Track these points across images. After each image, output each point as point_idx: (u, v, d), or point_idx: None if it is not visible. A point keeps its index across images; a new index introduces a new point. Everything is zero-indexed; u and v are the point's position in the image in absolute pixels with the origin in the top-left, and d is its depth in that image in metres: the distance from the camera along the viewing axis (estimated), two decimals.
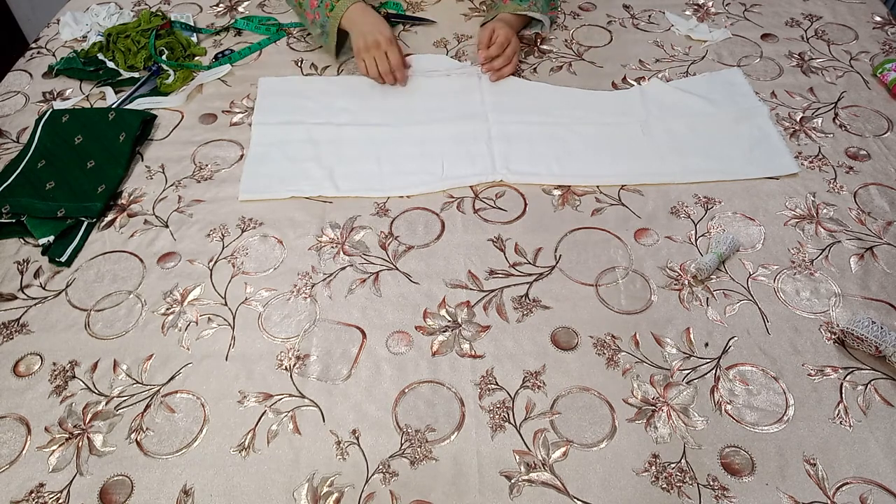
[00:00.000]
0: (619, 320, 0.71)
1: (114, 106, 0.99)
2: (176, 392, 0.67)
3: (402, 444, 0.62)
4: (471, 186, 0.86)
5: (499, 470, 0.60)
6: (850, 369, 0.66)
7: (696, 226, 0.80)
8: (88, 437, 0.63)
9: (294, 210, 0.84)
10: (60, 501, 0.59)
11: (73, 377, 0.68)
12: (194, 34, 1.14)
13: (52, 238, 0.80)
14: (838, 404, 0.64)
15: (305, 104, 0.99)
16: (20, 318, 0.74)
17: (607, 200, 0.84)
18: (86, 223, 0.83)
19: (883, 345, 0.65)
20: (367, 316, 0.73)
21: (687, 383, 0.66)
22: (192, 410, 0.65)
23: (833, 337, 0.69)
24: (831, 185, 0.84)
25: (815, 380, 0.66)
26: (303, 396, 0.66)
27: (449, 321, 0.72)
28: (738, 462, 0.60)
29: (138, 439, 0.63)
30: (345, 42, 1.06)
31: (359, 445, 0.62)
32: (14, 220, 0.82)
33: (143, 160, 0.92)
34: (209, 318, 0.73)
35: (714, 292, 0.73)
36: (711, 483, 0.59)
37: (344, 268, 0.77)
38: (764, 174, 0.86)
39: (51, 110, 0.96)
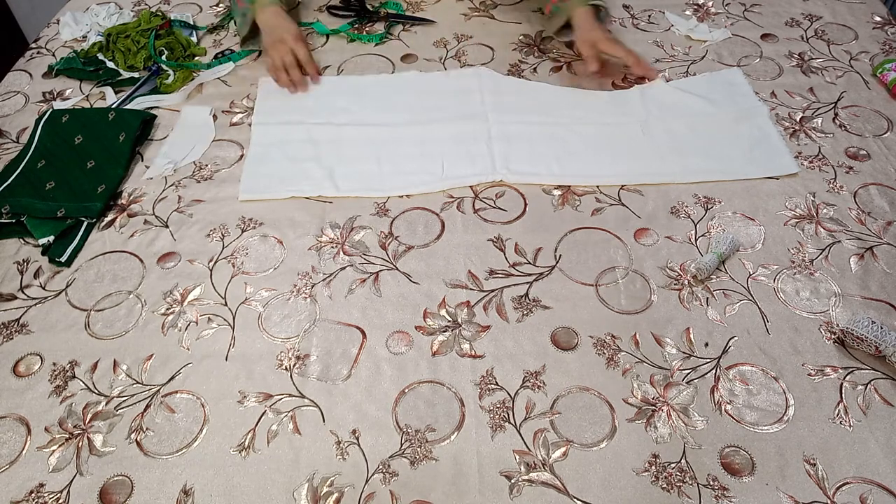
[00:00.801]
0: (619, 320, 0.71)
1: (114, 106, 0.99)
2: (176, 392, 0.67)
3: (402, 444, 0.62)
4: (471, 186, 0.86)
5: (499, 470, 0.60)
6: (850, 369, 0.66)
7: (696, 226, 0.80)
8: (88, 437, 0.63)
9: (294, 210, 0.84)
10: (60, 501, 0.59)
11: (73, 377, 0.68)
12: (194, 34, 1.14)
13: (52, 238, 0.80)
14: (838, 404, 0.64)
15: (305, 104, 0.99)
16: (20, 318, 0.74)
17: (607, 200, 0.84)
18: (86, 223, 0.83)
19: (883, 345, 0.65)
20: (367, 316, 0.73)
21: (687, 383, 0.66)
22: (192, 410, 0.65)
23: (833, 337, 0.69)
24: (831, 185, 0.84)
25: (815, 380, 0.66)
26: (303, 396, 0.66)
27: (449, 321, 0.72)
28: (738, 462, 0.60)
29: (138, 439, 0.63)
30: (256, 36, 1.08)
31: (359, 445, 0.62)
32: (14, 220, 0.82)
33: (143, 160, 0.92)
34: (209, 318, 0.73)
35: (714, 292, 0.73)
36: (711, 483, 0.59)
37: (344, 268, 0.77)
38: (764, 174, 0.86)
39: (51, 110, 0.96)
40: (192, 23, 1.15)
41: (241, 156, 0.92)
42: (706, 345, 0.69)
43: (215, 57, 1.09)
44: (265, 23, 1.03)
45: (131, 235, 0.82)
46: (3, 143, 0.95)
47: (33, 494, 0.60)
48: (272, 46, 1.02)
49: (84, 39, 1.14)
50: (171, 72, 1.05)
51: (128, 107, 0.99)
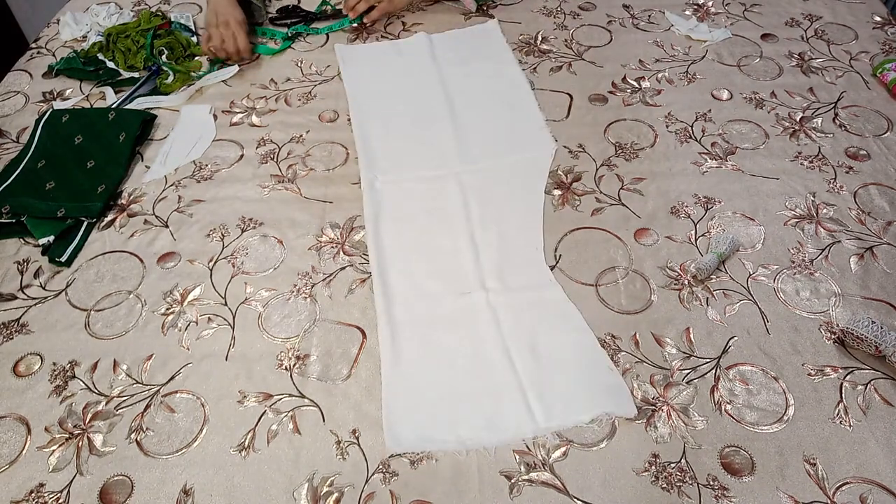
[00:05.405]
0: (619, 320, 0.71)
1: (114, 106, 0.99)
2: (176, 392, 0.67)
3: None
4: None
5: (499, 470, 0.60)
6: (850, 369, 0.66)
7: (696, 226, 0.80)
8: (88, 437, 0.63)
9: (294, 210, 0.84)
10: (60, 501, 0.59)
11: (73, 377, 0.68)
12: (194, 34, 1.14)
13: (52, 238, 0.80)
14: (838, 404, 0.64)
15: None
16: (20, 318, 0.74)
17: (607, 200, 0.84)
18: (86, 223, 0.83)
19: (883, 345, 0.65)
20: (367, 316, 0.73)
21: (687, 383, 0.66)
22: (192, 410, 0.65)
23: (833, 337, 0.69)
24: (831, 185, 0.84)
25: (815, 380, 0.66)
26: (303, 396, 0.66)
27: None
28: (738, 462, 0.60)
29: (138, 439, 0.63)
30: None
31: (359, 445, 0.62)
32: (14, 220, 0.82)
33: (143, 160, 0.92)
34: (209, 318, 0.73)
35: (714, 292, 0.73)
36: (711, 483, 0.59)
37: (344, 268, 0.77)
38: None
39: (51, 110, 0.96)
40: (192, 23, 1.15)
41: (241, 156, 0.92)
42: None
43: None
44: (215, 4, 1.08)
45: (131, 235, 0.82)
46: (3, 143, 0.95)
47: (33, 494, 0.60)
48: (214, 26, 1.06)
49: (84, 39, 1.14)
50: (170, 72, 1.05)
51: (128, 107, 0.99)
